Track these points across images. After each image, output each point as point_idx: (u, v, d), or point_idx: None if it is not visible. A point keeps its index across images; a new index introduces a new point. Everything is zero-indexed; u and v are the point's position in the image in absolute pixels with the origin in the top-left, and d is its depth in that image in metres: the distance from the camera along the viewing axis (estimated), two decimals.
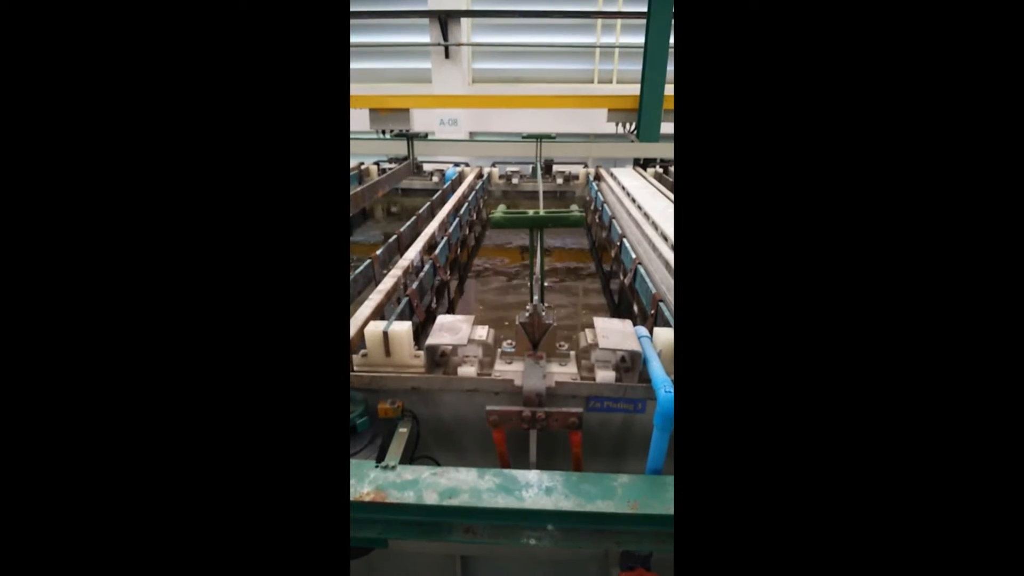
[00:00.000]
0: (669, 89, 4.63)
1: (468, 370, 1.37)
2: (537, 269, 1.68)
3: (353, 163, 4.59)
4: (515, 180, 4.46)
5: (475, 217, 3.61)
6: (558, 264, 3.87)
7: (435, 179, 4.54)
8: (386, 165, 4.56)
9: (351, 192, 2.98)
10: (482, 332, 1.44)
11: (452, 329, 1.43)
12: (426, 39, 7.37)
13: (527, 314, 1.42)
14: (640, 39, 7.53)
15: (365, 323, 1.51)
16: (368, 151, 5.01)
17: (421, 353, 1.47)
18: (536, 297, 1.53)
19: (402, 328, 1.42)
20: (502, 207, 1.64)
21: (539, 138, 4.16)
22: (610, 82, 7.96)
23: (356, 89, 6.31)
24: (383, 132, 4.99)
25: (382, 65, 7.44)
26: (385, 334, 1.41)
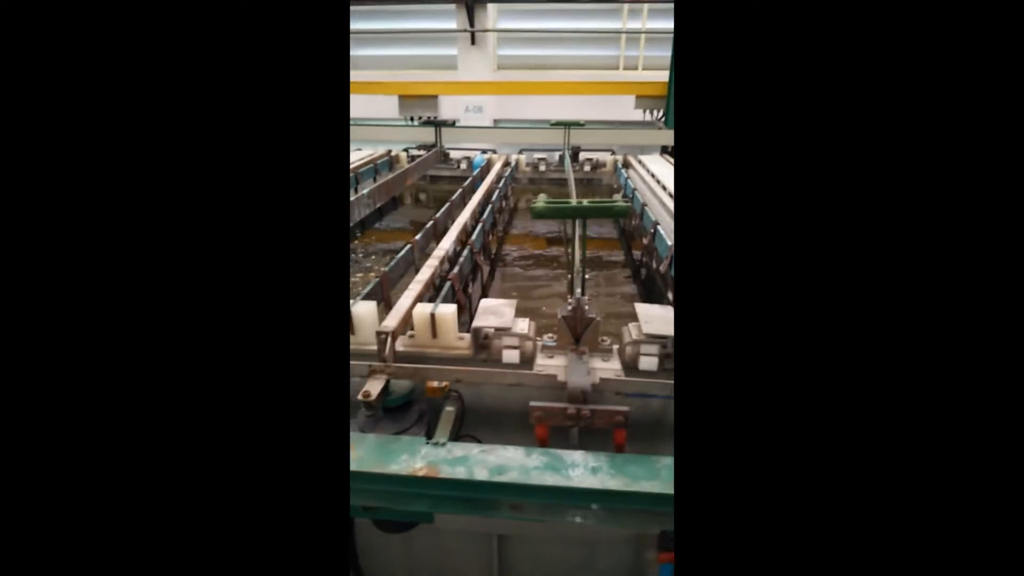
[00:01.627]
0: None
1: (512, 354, 1.40)
2: (578, 261, 1.69)
3: (382, 150, 4.65)
4: (542, 168, 4.46)
5: (503, 205, 3.63)
6: (591, 253, 3.87)
7: (463, 166, 4.57)
8: (415, 152, 4.60)
9: (385, 179, 3.02)
10: (523, 325, 1.46)
11: (496, 312, 1.46)
12: (452, 25, 7.34)
13: (569, 308, 1.44)
14: (668, 24, 7.40)
15: (413, 305, 1.55)
16: (396, 138, 5.04)
17: (466, 336, 1.51)
18: (578, 290, 1.55)
19: (448, 311, 1.46)
20: (543, 196, 1.66)
21: (567, 125, 4.14)
22: (636, 68, 7.84)
23: (384, 76, 6.34)
24: (411, 119, 5.02)
25: (408, 52, 7.44)
26: (432, 316, 1.45)
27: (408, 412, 1.42)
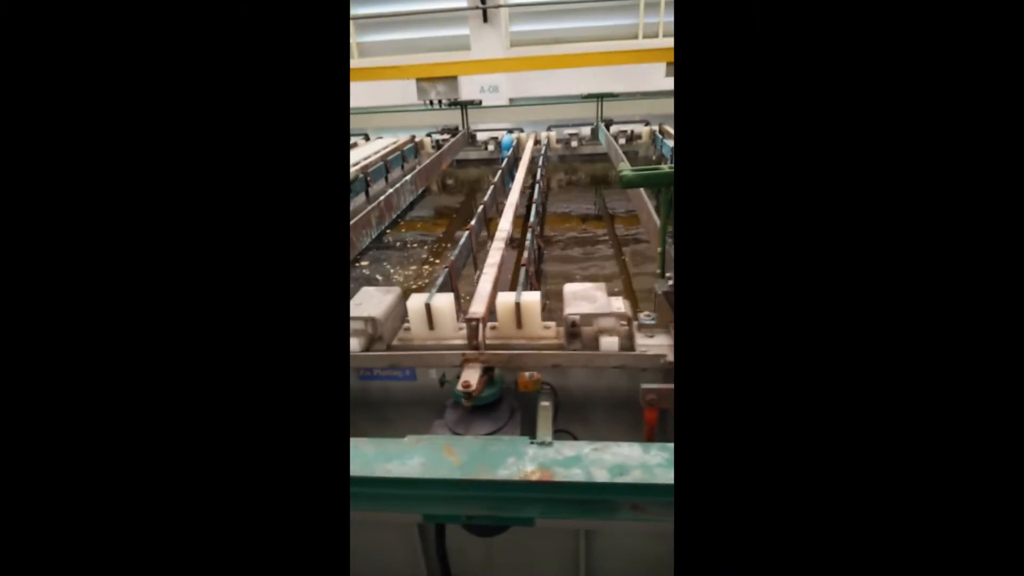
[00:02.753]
0: None
1: (610, 341, 1.29)
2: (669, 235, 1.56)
3: (405, 136, 4.51)
4: (574, 144, 4.29)
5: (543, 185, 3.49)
6: (629, 231, 3.71)
7: (491, 148, 4.42)
8: (438, 136, 4.45)
9: (423, 164, 2.90)
10: (618, 303, 1.35)
11: (587, 297, 1.34)
12: (463, 3, 7.11)
13: (669, 283, 1.31)
14: None
15: (493, 290, 1.44)
16: (418, 123, 4.90)
17: (551, 324, 1.39)
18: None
19: (533, 299, 1.35)
20: (623, 164, 1.52)
21: (600, 97, 3.96)
22: (656, 36, 7.53)
23: (396, 60, 6.17)
24: (430, 102, 4.87)
25: (419, 35, 7.24)
26: (517, 305, 1.34)
27: (500, 409, 1.32)
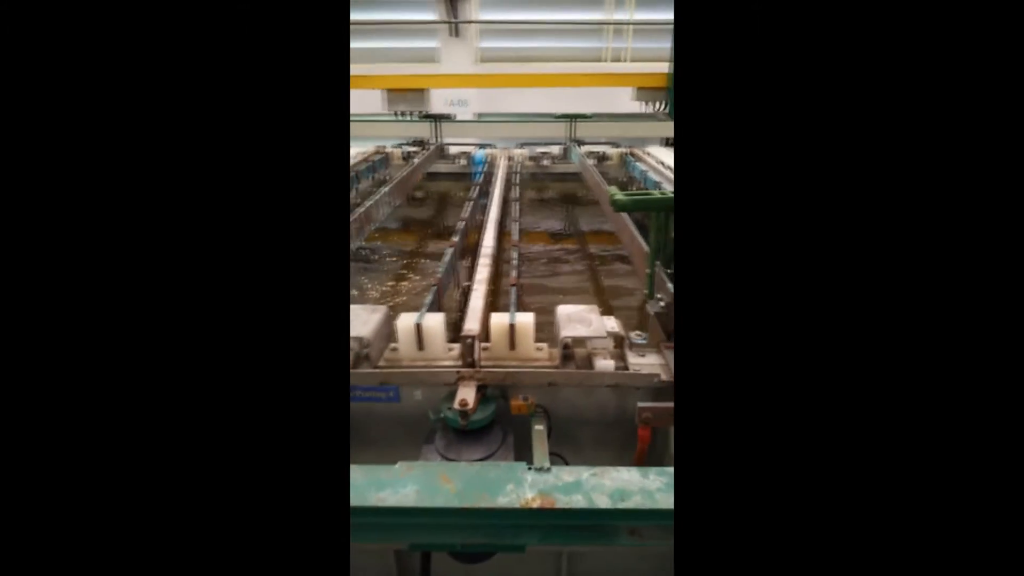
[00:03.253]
0: None
1: (606, 364, 1.29)
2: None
3: (370, 147, 4.43)
4: (545, 162, 4.35)
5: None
6: (598, 249, 3.77)
7: (462, 162, 4.41)
8: (408, 148, 4.41)
9: (400, 177, 2.85)
10: (612, 323, 1.36)
11: (582, 320, 1.34)
12: (433, 16, 7.11)
13: (661, 304, 1.34)
14: (654, 15, 7.37)
15: (486, 316, 1.42)
16: (387, 134, 4.84)
17: (543, 345, 1.39)
18: (669, 285, 1.45)
19: (527, 320, 1.34)
20: (613, 188, 1.55)
21: (572, 117, 4.04)
22: (621, 60, 7.79)
23: (364, 69, 6.09)
24: (399, 113, 4.82)
25: (387, 44, 7.17)
26: (512, 327, 1.32)
27: (492, 433, 1.29)
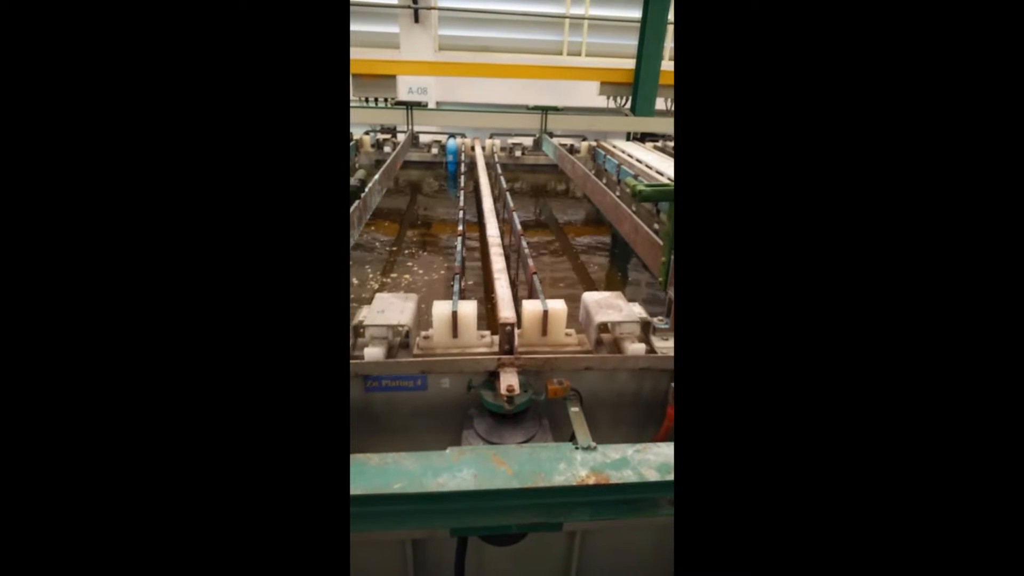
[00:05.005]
0: (666, 64, 4.69)
1: (637, 347, 1.36)
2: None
3: None
4: (517, 153, 4.37)
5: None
6: (580, 239, 3.85)
7: (434, 151, 4.35)
8: (380, 136, 4.30)
9: (384, 165, 2.79)
10: (639, 309, 1.43)
11: (612, 306, 1.40)
12: (394, 0, 6.91)
13: None
14: (610, 11, 7.53)
15: (516, 301, 1.44)
16: (357, 120, 4.68)
17: (572, 331, 1.43)
18: None
19: (559, 307, 1.38)
20: (631, 179, 1.61)
21: (545, 110, 4.09)
22: (579, 54, 7.92)
23: None
24: (369, 100, 4.68)
25: (353, 27, 6.91)
26: (545, 313, 1.36)
27: (529, 417, 1.33)
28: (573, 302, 1.50)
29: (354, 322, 1.32)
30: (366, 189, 2.09)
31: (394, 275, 2.51)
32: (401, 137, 4.29)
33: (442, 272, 2.63)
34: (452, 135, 4.51)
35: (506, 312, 1.34)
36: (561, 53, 7.81)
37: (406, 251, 2.98)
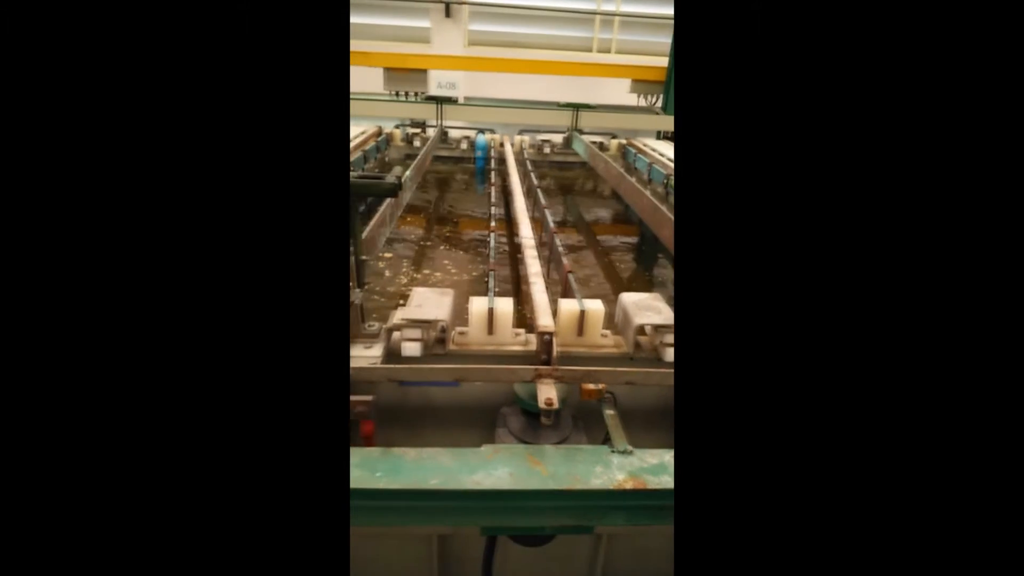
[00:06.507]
0: None
1: (671, 352, 1.33)
2: None
3: (367, 126, 4.31)
4: (546, 150, 4.35)
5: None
6: (608, 239, 3.81)
7: (463, 147, 4.36)
8: (410, 130, 4.32)
9: (417, 160, 2.80)
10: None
11: (650, 308, 1.38)
12: None
13: None
14: (642, 8, 7.41)
15: (554, 301, 1.43)
16: (380, 113, 4.71)
17: (608, 332, 1.42)
18: None
19: (597, 307, 1.36)
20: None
21: (577, 107, 4.05)
22: (608, 51, 7.82)
23: (363, 46, 5.87)
24: (396, 93, 4.70)
25: (376, 21, 6.95)
26: (582, 313, 1.34)
27: (563, 418, 1.32)
28: (605, 302, 1.48)
29: (392, 320, 1.32)
30: (404, 186, 2.10)
31: (426, 271, 2.52)
32: (430, 132, 4.31)
33: (469, 267, 2.63)
34: (481, 131, 4.50)
35: (544, 320, 1.33)
36: (591, 50, 7.72)
37: (434, 246, 2.99)
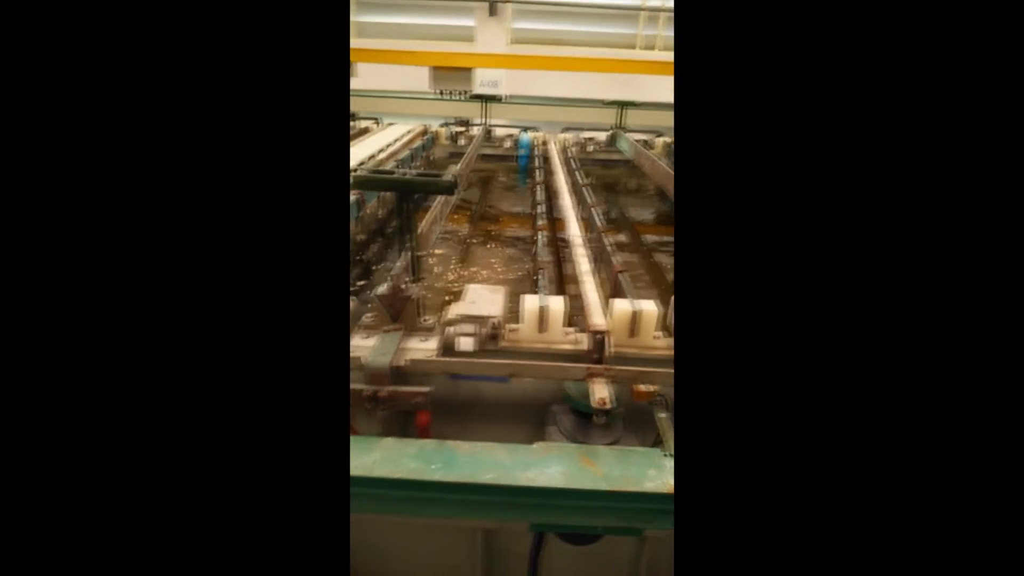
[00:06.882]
0: None
1: None
2: None
3: (414, 125, 4.39)
4: (590, 148, 4.31)
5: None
6: (653, 238, 3.75)
7: (507, 145, 4.37)
8: (456, 129, 4.37)
9: (466, 160, 2.83)
10: None
11: None
12: None
13: None
14: None
15: (607, 301, 1.42)
16: (426, 112, 4.79)
17: (660, 333, 1.39)
18: None
19: (650, 307, 1.35)
20: None
21: (622, 105, 4.00)
22: (653, 48, 7.68)
23: (395, 44, 5.99)
24: (445, 93, 4.77)
25: (421, 20, 7.07)
26: (635, 314, 1.33)
27: (615, 419, 1.31)
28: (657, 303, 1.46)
29: (448, 315, 1.35)
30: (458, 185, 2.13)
31: (473, 268, 2.55)
32: (474, 131, 4.35)
33: (516, 266, 2.64)
34: (525, 129, 4.51)
35: (597, 319, 1.32)
36: (635, 46, 7.59)
37: (479, 244, 3.02)
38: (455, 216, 3.62)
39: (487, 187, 4.37)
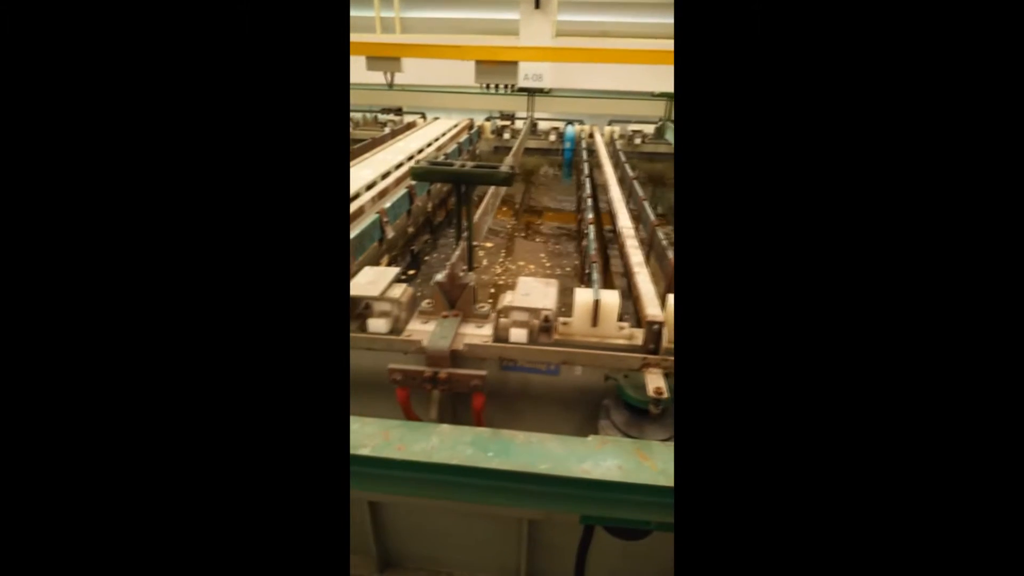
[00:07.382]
0: None
1: None
2: None
3: (458, 118, 4.43)
4: (636, 141, 4.23)
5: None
6: None
7: (551, 138, 4.35)
8: (500, 122, 4.38)
9: (513, 153, 2.84)
10: None
11: None
12: None
13: None
14: None
15: (660, 296, 1.40)
16: (470, 106, 4.82)
17: None
18: None
19: None
20: None
21: (671, 96, 3.90)
22: None
23: (435, 39, 6.05)
24: (490, 86, 4.78)
25: (465, 15, 7.11)
26: None
27: (667, 415, 1.28)
28: None
29: (501, 305, 1.36)
30: (516, 176, 2.14)
31: (521, 262, 2.56)
32: (519, 124, 4.35)
33: (563, 260, 2.63)
34: (570, 122, 4.47)
35: (652, 309, 1.31)
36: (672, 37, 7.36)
37: (526, 237, 3.02)
38: (502, 208, 3.64)
39: (530, 181, 4.36)
